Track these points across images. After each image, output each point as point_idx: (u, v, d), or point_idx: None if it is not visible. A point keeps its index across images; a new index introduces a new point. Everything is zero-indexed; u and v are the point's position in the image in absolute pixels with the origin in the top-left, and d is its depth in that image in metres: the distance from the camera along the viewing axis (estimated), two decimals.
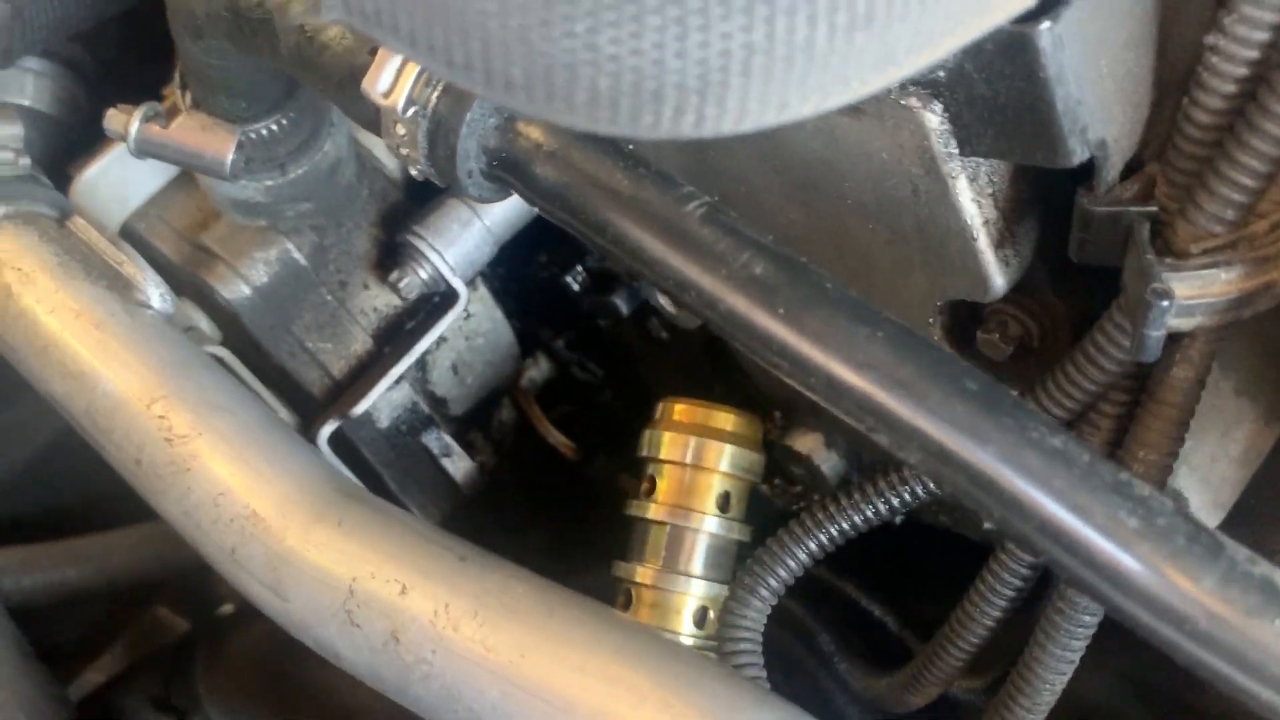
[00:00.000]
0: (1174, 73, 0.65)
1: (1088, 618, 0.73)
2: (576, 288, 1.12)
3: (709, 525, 0.90)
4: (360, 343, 1.03)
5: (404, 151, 0.68)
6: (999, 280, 0.72)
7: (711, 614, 0.88)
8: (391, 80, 0.65)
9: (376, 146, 1.05)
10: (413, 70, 0.66)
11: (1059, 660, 0.75)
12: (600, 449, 1.27)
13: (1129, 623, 0.52)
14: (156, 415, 0.77)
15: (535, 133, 0.66)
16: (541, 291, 1.17)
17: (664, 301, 0.94)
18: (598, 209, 0.64)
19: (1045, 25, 0.57)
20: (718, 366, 1.13)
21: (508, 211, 1.04)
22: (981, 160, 0.67)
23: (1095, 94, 0.61)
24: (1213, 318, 0.63)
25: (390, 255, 1.03)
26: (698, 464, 0.91)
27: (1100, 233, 0.67)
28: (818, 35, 0.40)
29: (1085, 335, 0.71)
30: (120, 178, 1.02)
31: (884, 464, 0.86)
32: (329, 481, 0.75)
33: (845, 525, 0.83)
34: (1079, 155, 0.62)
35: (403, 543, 0.69)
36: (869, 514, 0.82)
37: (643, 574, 0.90)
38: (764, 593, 0.82)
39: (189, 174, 1.03)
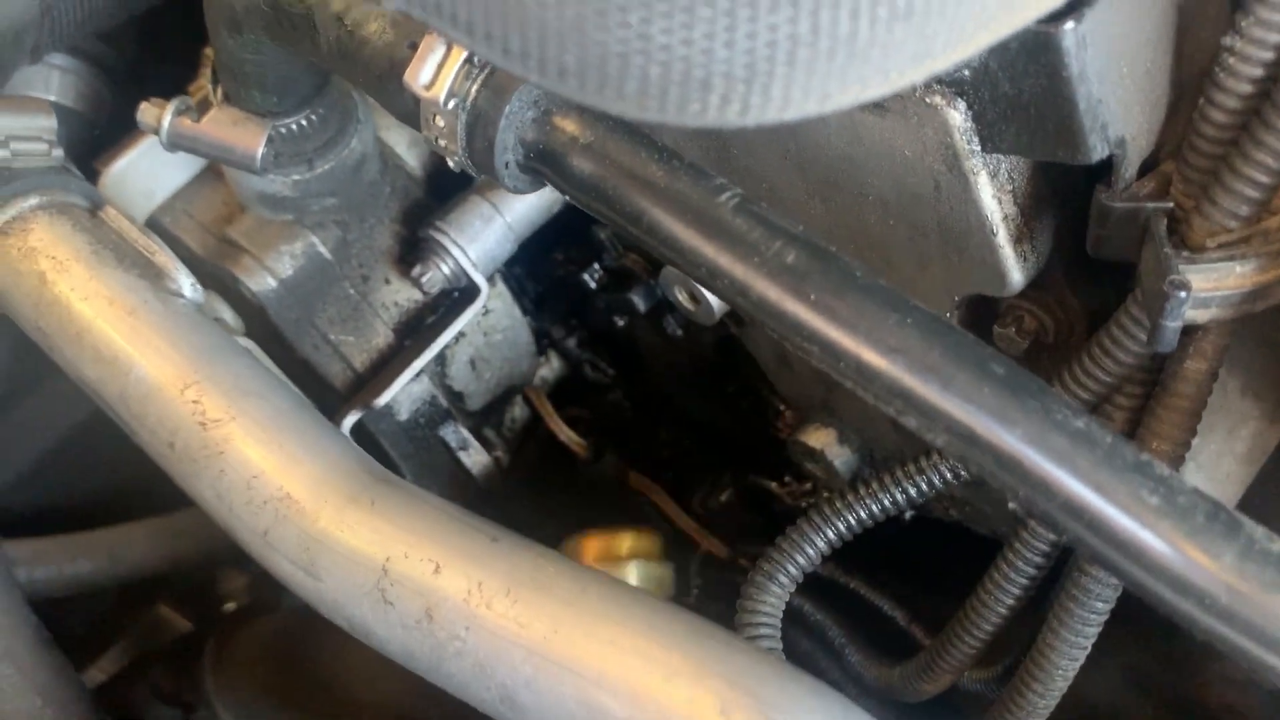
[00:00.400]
0: (1190, 73, 0.67)
1: (1101, 604, 0.75)
2: (594, 285, 1.14)
3: None
4: (382, 336, 1.05)
5: (442, 143, 0.70)
6: (1017, 275, 0.74)
7: None
8: (433, 73, 0.67)
9: (399, 144, 1.07)
10: (454, 64, 0.68)
11: (1072, 646, 0.77)
12: (610, 449, 1.29)
13: (1150, 599, 0.54)
14: (190, 400, 0.78)
15: (571, 126, 0.68)
16: (558, 290, 1.18)
17: (681, 298, 0.95)
18: (632, 200, 0.65)
19: (1069, 25, 0.59)
20: (730, 365, 1.14)
21: (528, 209, 1.05)
22: (1002, 157, 0.69)
23: (1116, 93, 0.63)
24: (1227, 310, 0.65)
25: (412, 250, 1.05)
26: None
27: (1117, 228, 0.68)
28: (860, 28, 0.42)
29: (1101, 329, 0.73)
30: (146, 172, 1.04)
31: (898, 459, 0.88)
32: (361, 464, 0.76)
33: (863, 514, 0.84)
34: (1099, 152, 0.64)
35: (435, 524, 0.70)
36: (886, 503, 0.84)
37: None
38: (783, 579, 0.83)
39: (214, 169, 1.05)
